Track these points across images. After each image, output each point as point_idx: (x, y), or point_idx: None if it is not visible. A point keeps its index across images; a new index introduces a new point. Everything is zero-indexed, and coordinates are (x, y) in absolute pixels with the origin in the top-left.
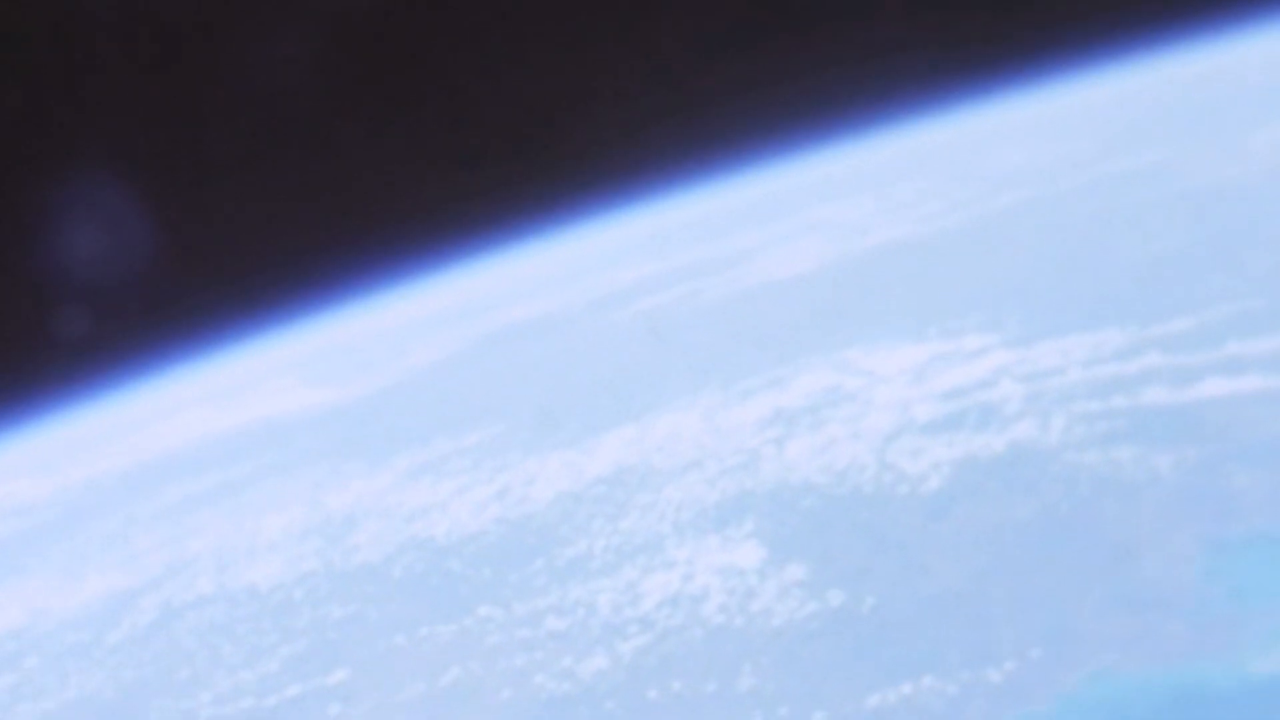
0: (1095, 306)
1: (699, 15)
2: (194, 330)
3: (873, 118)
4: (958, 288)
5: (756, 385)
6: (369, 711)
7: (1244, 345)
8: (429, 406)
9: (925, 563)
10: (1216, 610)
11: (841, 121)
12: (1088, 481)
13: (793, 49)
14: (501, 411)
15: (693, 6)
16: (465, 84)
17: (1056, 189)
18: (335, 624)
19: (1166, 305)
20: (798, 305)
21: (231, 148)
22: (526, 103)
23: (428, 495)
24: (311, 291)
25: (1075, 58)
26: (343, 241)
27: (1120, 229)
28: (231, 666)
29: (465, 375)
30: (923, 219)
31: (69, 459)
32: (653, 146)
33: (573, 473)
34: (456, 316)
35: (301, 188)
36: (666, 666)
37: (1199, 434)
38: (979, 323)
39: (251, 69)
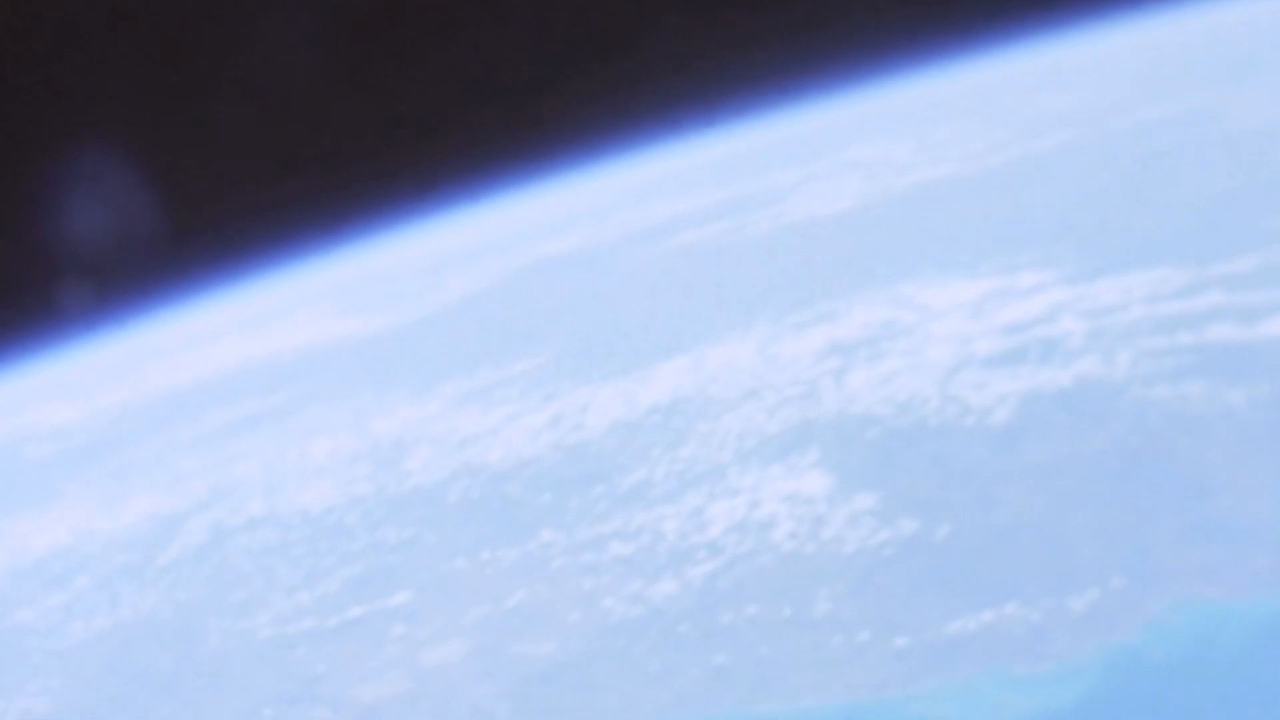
0: (1153, 245)
1: None
2: (231, 258)
3: (912, 59)
4: (1009, 225)
5: (809, 318)
6: (435, 633)
7: None
8: (471, 336)
9: (998, 493)
10: None
11: (881, 61)
12: (1158, 416)
13: None
14: (546, 341)
15: None
16: (506, 17)
17: (1101, 131)
18: (393, 547)
19: (1226, 244)
20: (845, 241)
21: (273, 78)
22: (566, 37)
23: (478, 422)
24: (347, 221)
25: (1119, 2)
26: (378, 172)
27: (1171, 170)
28: (289, 588)
29: (505, 306)
30: (965, 159)
31: (105, 384)
32: (691, 83)
33: (627, 401)
34: (492, 249)
35: (339, 120)
36: (739, 591)
37: (1270, 369)
38: (1034, 259)
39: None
